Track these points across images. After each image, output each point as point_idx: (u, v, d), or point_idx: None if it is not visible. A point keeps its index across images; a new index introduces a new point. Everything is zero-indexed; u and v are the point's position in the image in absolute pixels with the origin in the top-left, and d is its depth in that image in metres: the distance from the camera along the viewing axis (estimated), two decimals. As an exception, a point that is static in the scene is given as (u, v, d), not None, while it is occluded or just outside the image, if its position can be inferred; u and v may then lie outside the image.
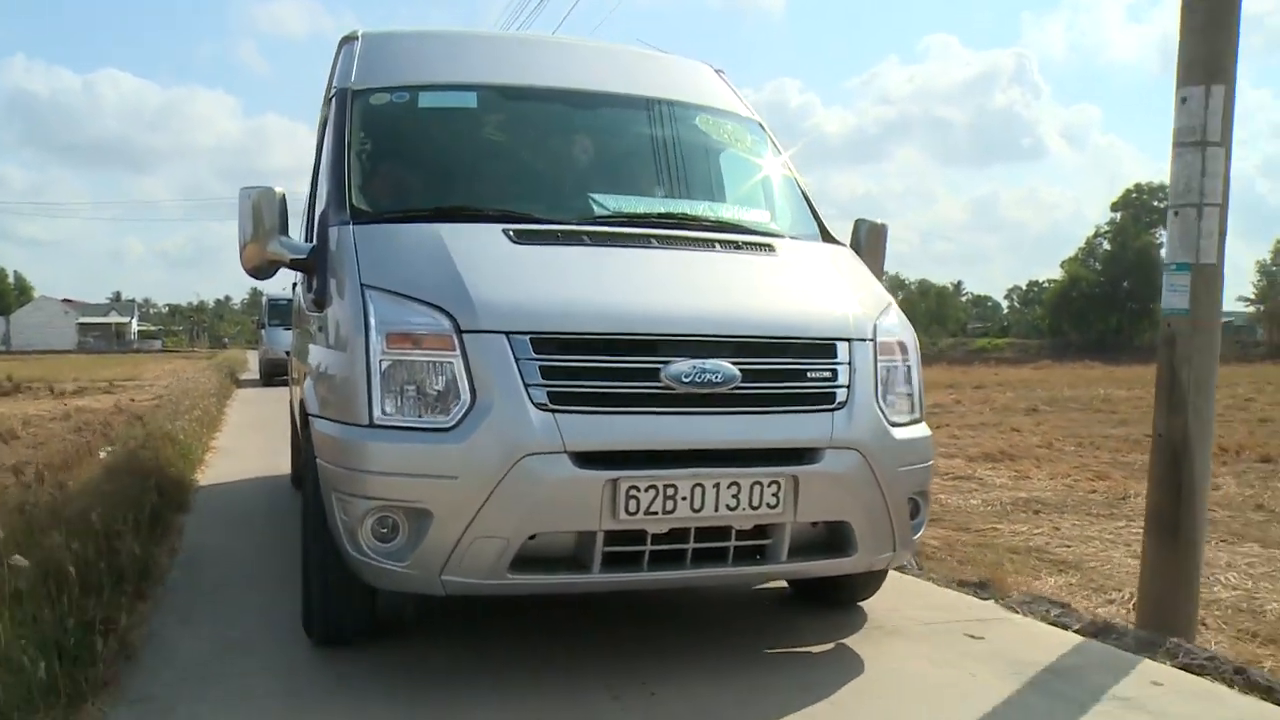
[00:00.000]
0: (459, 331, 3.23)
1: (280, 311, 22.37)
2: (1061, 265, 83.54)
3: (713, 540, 3.34)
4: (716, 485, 3.25)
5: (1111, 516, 7.61)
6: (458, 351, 3.21)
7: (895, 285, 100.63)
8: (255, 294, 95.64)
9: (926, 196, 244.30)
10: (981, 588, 4.81)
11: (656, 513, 3.21)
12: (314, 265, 3.96)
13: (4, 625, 3.26)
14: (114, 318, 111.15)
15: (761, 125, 4.85)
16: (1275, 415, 17.07)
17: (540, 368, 3.18)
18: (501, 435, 3.12)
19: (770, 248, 4.03)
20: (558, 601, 4.18)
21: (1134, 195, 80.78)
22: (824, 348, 3.53)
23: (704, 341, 3.35)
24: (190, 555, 5.42)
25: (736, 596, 4.64)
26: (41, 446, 10.43)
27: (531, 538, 3.19)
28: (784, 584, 4.56)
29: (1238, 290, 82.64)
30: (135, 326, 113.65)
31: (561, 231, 3.77)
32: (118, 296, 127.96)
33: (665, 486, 3.20)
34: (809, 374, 3.48)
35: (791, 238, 4.28)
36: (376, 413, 3.22)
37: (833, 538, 3.54)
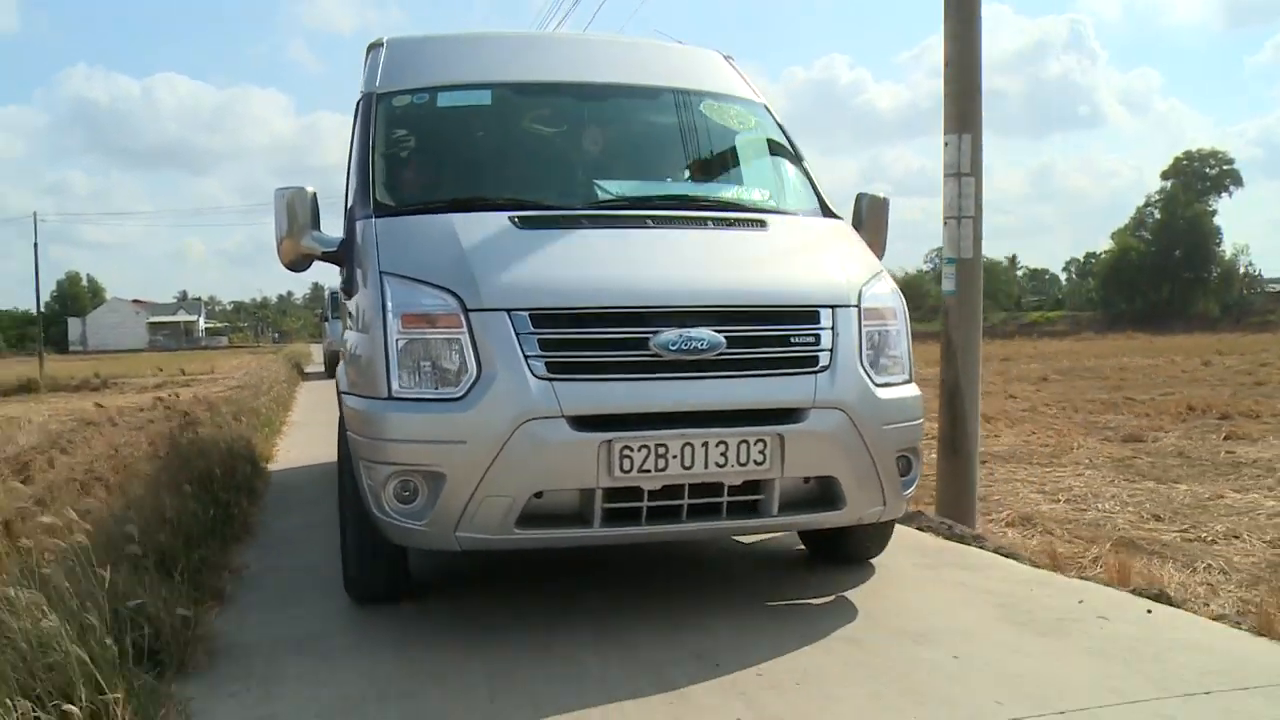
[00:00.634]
0: (465, 310, 3.46)
1: (343, 304, 23.92)
2: (1111, 236, 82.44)
3: (706, 496, 3.53)
4: (705, 444, 3.44)
5: (1045, 465, 8.83)
6: (465, 328, 3.44)
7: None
8: (317, 288, 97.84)
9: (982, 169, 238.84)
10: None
11: (649, 470, 3.40)
12: (343, 257, 4.27)
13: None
14: (182, 316, 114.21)
15: (767, 108, 4.98)
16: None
17: (539, 341, 3.41)
18: (505, 403, 3.35)
19: (762, 223, 4.19)
20: (586, 561, 4.52)
21: (1184, 163, 79.38)
22: (807, 314, 3.69)
23: (689, 311, 3.53)
24: (276, 494, 7.06)
25: (756, 551, 4.91)
26: (139, 430, 12.19)
27: (538, 496, 3.42)
28: (801, 546, 4.80)
29: None
30: (202, 324, 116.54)
31: (563, 217, 4.00)
32: (184, 295, 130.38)
33: (656, 446, 3.40)
34: (792, 339, 3.64)
35: (787, 213, 4.43)
36: (395, 386, 3.48)
37: (823, 492, 3.70)
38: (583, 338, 3.45)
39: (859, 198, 4.70)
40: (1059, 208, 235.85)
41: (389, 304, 3.55)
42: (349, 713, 2.97)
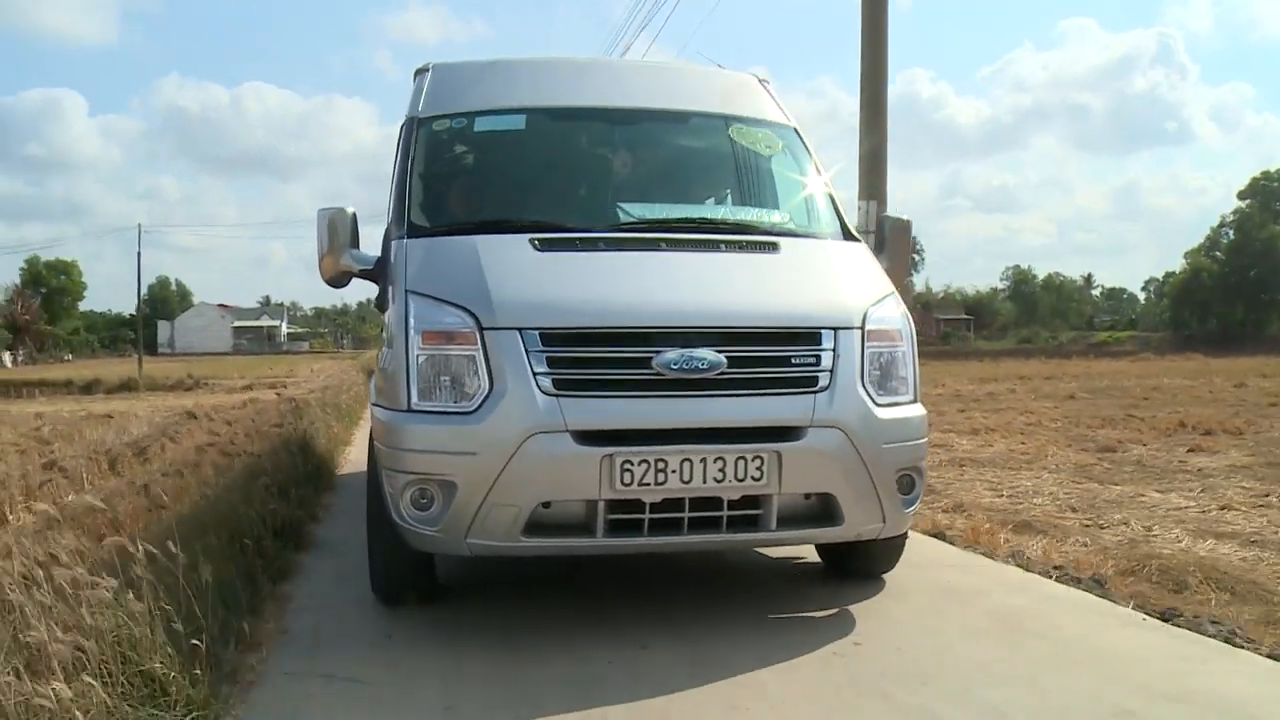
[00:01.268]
0: (480, 328, 3.62)
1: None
2: (1185, 256, 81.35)
3: (707, 510, 3.67)
4: (704, 460, 3.57)
5: (1015, 470, 9.95)
6: (479, 346, 3.61)
7: (1021, 279, 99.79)
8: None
9: (1064, 186, 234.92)
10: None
11: (649, 484, 3.55)
12: (379, 274, 4.49)
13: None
14: (265, 320, 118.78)
15: (797, 131, 5.06)
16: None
17: (547, 358, 3.57)
18: (513, 417, 3.52)
19: (774, 246, 4.32)
20: (597, 569, 4.95)
21: (1262, 182, 78.01)
22: (808, 335, 3.81)
23: (691, 332, 3.66)
24: (354, 466, 8.67)
25: (775, 566, 5.21)
26: (236, 423, 14.01)
27: (546, 506, 3.58)
28: (818, 559, 5.02)
29: None
30: (285, 329, 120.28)
31: (580, 239, 4.15)
32: (267, 300, 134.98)
33: (656, 461, 3.54)
34: (793, 359, 3.76)
35: (804, 235, 4.57)
36: (414, 399, 3.67)
37: (822, 509, 3.82)
38: (589, 356, 3.63)
39: (881, 220, 5.02)
40: (1144, 226, 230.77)
41: (411, 320, 3.75)
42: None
